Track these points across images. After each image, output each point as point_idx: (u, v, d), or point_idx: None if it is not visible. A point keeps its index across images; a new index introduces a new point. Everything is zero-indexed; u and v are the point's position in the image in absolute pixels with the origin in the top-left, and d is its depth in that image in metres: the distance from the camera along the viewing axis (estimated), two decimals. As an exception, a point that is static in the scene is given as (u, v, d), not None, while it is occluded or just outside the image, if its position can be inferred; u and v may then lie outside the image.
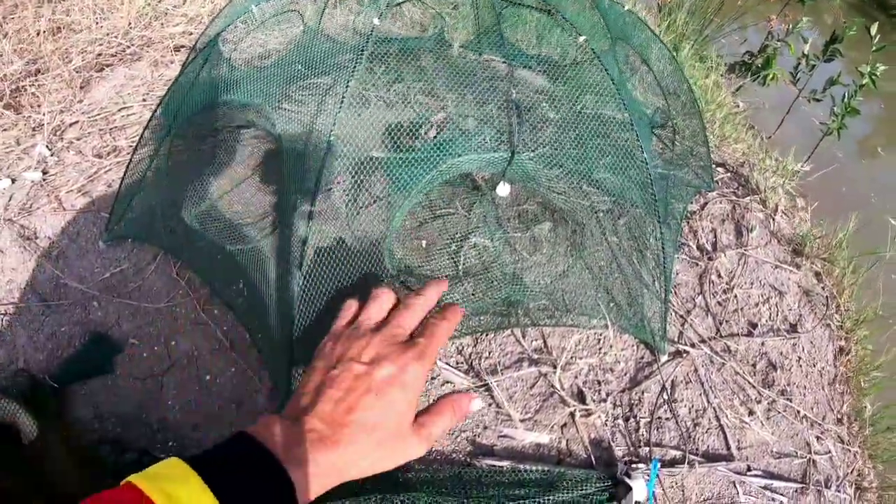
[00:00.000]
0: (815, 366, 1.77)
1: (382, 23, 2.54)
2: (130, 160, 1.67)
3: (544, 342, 1.50)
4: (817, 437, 1.60)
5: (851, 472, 1.61)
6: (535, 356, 1.48)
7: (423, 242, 1.59)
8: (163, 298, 1.63)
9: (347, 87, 1.19)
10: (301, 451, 0.57)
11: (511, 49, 2.15)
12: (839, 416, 1.70)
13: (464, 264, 1.51)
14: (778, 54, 3.06)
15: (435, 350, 0.70)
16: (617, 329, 1.51)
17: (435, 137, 1.81)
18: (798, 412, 1.62)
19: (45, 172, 1.99)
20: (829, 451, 1.59)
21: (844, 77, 2.84)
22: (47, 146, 2.06)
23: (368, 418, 0.62)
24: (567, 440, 1.39)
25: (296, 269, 1.25)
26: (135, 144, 2.02)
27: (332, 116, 1.14)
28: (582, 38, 1.46)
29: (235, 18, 1.57)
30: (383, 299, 0.82)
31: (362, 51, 1.22)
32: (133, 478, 0.50)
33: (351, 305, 0.86)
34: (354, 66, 1.17)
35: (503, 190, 1.40)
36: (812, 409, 1.66)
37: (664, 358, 1.55)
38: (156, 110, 1.66)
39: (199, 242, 1.57)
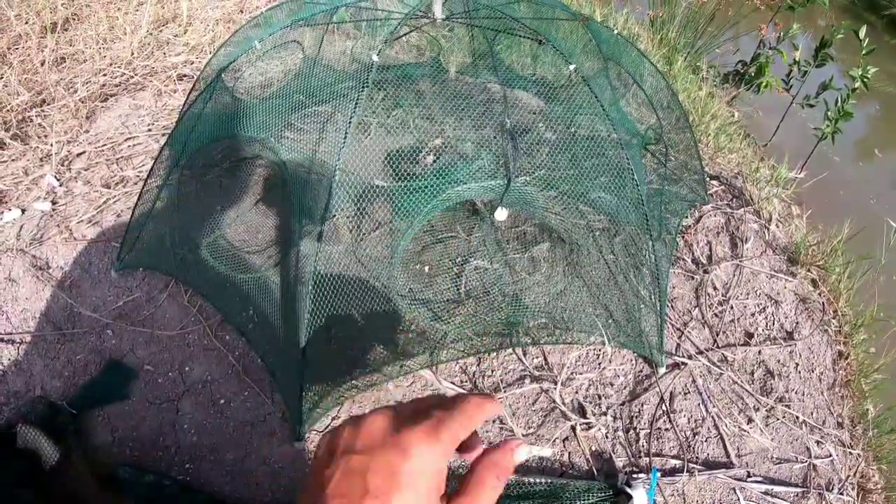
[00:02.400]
0: (813, 371, 1.84)
1: (385, 50, 2.63)
2: (141, 191, 1.75)
3: (545, 359, 1.58)
4: (817, 442, 1.67)
5: (854, 474, 1.67)
6: (537, 373, 1.55)
7: (426, 268, 1.67)
8: (175, 325, 1.71)
9: (350, 123, 1.27)
10: None
11: (506, 72, 2.24)
12: (839, 420, 1.77)
13: (465, 286, 1.59)
14: (770, 62, 3.13)
15: (456, 423, 0.51)
16: (615, 345, 1.59)
17: (434, 163, 1.90)
18: (797, 418, 1.69)
19: (54, 203, 2.07)
20: (830, 455, 1.65)
21: (837, 80, 2.91)
22: (55, 176, 2.15)
23: None
24: (569, 453, 1.46)
25: (305, 295, 1.33)
26: (143, 175, 2.11)
27: (336, 150, 1.22)
28: (572, 67, 1.54)
29: (240, 55, 1.65)
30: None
31: (364, 87, 1.30)
32: None
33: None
34: (356, 104, 1.25)
35: (501, 215, 1.48)
36: (812, 414, 1.73)
37: (662, 370, 1.62)
38: (166, 142, 1.75)
39: (208, 271, 1.65)
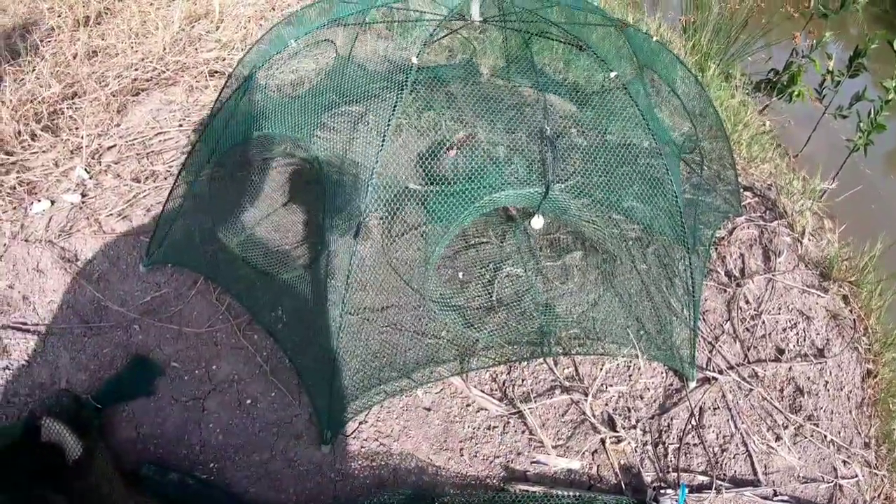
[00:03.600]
0: (842, 389, 1.80)
1: (410, 51, 2.62)
2: (172, 187, 1.75)
3: (576, 370, 1.56)
4: (844, 462, 1.64)
5: (879, 495, 1.64)
6: (567, 384, 1.53)
7: (461, 274, 1.65)
8: (203, 323, 1.71)
9: (389, 125, 1.26)
10: None
11: (540, 76, 2.21)
12: (866, 440, 1.73)
13: (498, 294, 1.57)
14: (803, 71, 3.08)
15: None
16: (647, 357, 1.57)
17: (456, 156, 1.88)
18: (825, 437, 1.66)
19: (83, 195, 2.08)
20: (857, 476, 1.62)
21: (870, 91, 2.85)
22: (86, 169, 2.15)
23: None
24: (598, 466, 1.44)
25: (338, 297, 1.31)
26: (173, 170, 2.10)
27: (374, 153, 1.21)
28: (613, 74, 1.52)
29: (273, 53, 1.64)
30: None
31: (402, 89, 1.29)
32: None
33: None
34: (395, 107, 1.24)
35: (538, 223, 1.46)
36: (839, 433, 1.70)
37: (693, 385, 1.59)
38: (198, 139, 1.74)
39: (238, 269, 1.64)
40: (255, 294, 1.62)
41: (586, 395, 1.52)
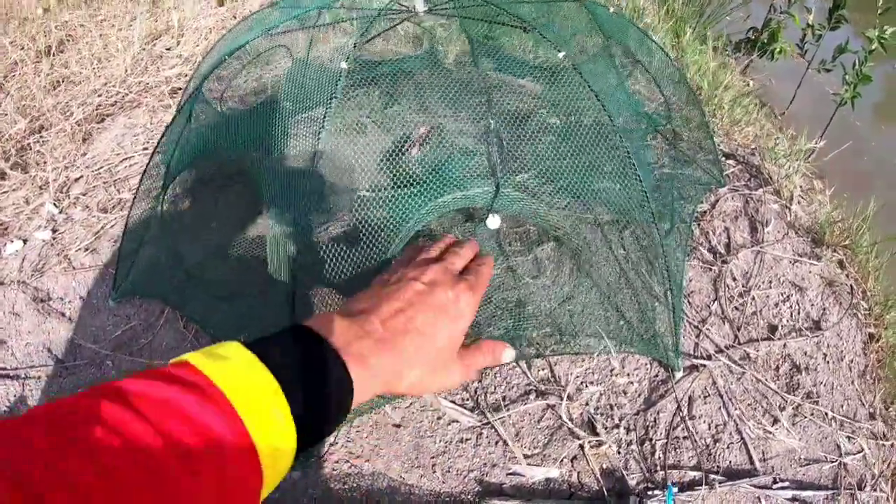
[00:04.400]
0: (842, 360, 1.68)
1: (374, 45, 2.49)
2: (128, 216, 1.66)
3: (551, 371, 1.45)
4: (848, 437, 1.52)
5: (887, 466, 1.52)
6: (543, 387, 1.42)
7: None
8: (172, 354, 1.62)
9: (319, 139, 1.15)
10: (359, 347, 0.56)
11: (505, 59, 2.09)
12: (871, 411, 1.61)
13: (531, 312, 1.46)
14: (783, 27, 2.90)
15: (483, 287, 0.71)
16: (625, 350, 1.46)
17: (419, 153, 1.77)
18: (826, 414, 1.54)
19: (54, 231, 2.00)
20: (862, 450, 1.50)
21: (853, 42, 2.69)
22: (55, 204, 2.07)
23: (426, 331, 0.61)
24: (578, 472, 1.33)
25: (287, 313, 1.22)
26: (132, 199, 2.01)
27: (303, 178, 1.10)
28: (561, 55, 1.40)
29: (217, 63, 1.54)
30: (440, 244, 0.81)
31: (332, 98, 1.18)
32: (188, 356, 0.47)
33: (408, 251, 0.83)
34: (323, 121, 1.13)
35: (493, 223, 1.35)
36: (841, 407, 1.58)
37: (679, 374, 1.48)
38: (149, 162, 1.65)
39: (200, 295, 1.55)
40: (219, 320, 1.53)
41: (562, 398, 1.41)
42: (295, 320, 1.17)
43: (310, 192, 1.16)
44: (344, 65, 1.18)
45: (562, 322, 1.46)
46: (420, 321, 0.61)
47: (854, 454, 1.48)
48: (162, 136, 1.63)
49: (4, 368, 1.70)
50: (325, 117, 1.15)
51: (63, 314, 1.79)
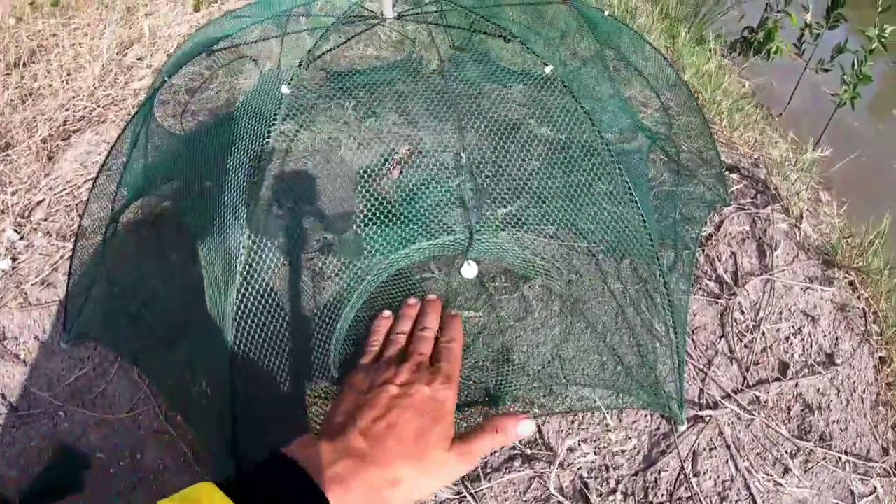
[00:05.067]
0: (855, 391, 1.45)
1: (350, 50, 2.21)
2: (74, 247, 1.42)
3: (539, 431, 1.20)
4: (861, 479, 1.30)
5: (900, 507, 1.30)
6: (529, 451, 1.18)
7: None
8: (125, 406, 1.38)
9: (249, 206, 0.88)
10: (341, 469, 0.52)
11: (489, 65, 1.82)
12: (885, 445, 1.38)
13: (518, 363, 1.21)
14: (779, 26, 2.64)
15: (457, 368, 0.67)
16: (622, 406, 1.21)
17: (401, 175, 1.52)
18: (839, 458, 1.31)
19: (14, 259, 1.75)
20: (875, 491, 1.29)
21: (851, 41, 2.44)
22: (16, 230, 1.82)
23: (409, 435, 0.57)
24: (573, 552, 1.10)
25: (226, 366, 0.97)
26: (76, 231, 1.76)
27: (236, 232, 0.85)
28: (548, 69, 1.15)
29: (163, 80, 1.28)
30: (404, 327, 0.78)
31: (269, 129, 0.92)
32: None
33: (374, 343, 0.80)
34: (259, 158, 0.87)
35: (469, 272, 1.10)
36: (854, 445, 1.35)
37: (683, 427, 1.24)
38: (92, 188, 1.40)
39: (144, 338, 1.31)
40: (162, 366, 1.29)
41: (551, 464, 1.16)
42: (235, 371, 0.92)
43: (242, 244, 0.90)
44: (285, 89, 0.93)
45: (552, 371, 1.22)
46: (402, 426, 0.57)
47: (867, 496, 1.27)
48: (106, 158, 1.38)
49: (-45, 414, 1.47)
50: (259, 159, 0.89)
51: (17, 356, 1.54)
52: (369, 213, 1.07)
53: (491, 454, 1.18)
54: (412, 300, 0.82)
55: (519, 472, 1.14)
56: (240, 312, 0.87)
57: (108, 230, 1.33)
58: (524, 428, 0.67)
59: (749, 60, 2.60)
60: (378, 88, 1.86)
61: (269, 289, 0.90)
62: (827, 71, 2.51)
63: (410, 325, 0.79)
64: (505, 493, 1.12)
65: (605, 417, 1.22)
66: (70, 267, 1.41)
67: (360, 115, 1.86)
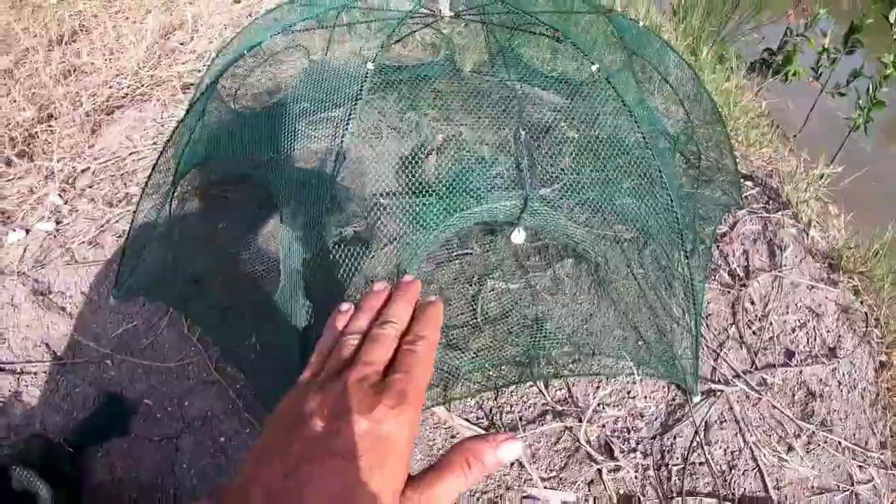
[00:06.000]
0: (855, 388, 1.63)
1: (391, 49, 2.42)
2: (136, 213, 1.59)
3: (569, 392, 1.38)
4: (860, 467, 1.46)
5: (898, 496, 1.47)
6: (560, 408, 1.35)
7: (439, 289, 1.47)
8: (174, 356, 1.55)
9: (342, 144, 1.08)
10: None
11: (524, 69, 2.02)
12: (882, 440, 1.55)
13: (483, 311, 1.39)
14: (798, 50, 2.86)
15: (418, 389, 0.48)
16: (645, 375, 1.39)
17: (436, 162, 1.70)
18: (839, 443, 1.48)
19: (58, 222, 1.92)
20: (872, 479, 1.45)
21: (868, 67, 2.65)
22: (60, 195, 1.99)
23: (331, 492, 0.41)
24: (595, 498, 1.27)
25: (302, 320, 1.15)
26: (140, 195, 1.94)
27: (327, 179, 1.03)
28: (594, 67, 1.33)
29: (230, 63, 1.47)
30: (361, 323, 0.57)
31: (357, 100, 1.11)
32: None
33: (320, 348, 0.58)
34: (348, 121, 1.06)
35: (518, 237, 1.28)
36: (854, 435, 1.52)
37: (697, 399, 1.42)
38: (158, 159, 1.58)
39: (204, 301, 1.48)
40: (225, 324, 1.46)
41: (580, 419, 1.34)
42: (307, 334, 1.09)
43: (329, 195, 1.09)
44: (370, 65, 1.12)
45: (580, 341, 1.39)
46: (321, 480, 0.42)
47: (865, 483, 1.43)
48: (173, 132, 1.56)
49: (0, 362, 1.63)
50: (349, 118, 1.08)
51: (63, 309, 1.71)
52: (426, 184, 1.25)
53: (524, 408, 1.35)
54: (378, 284, 0.60)
55: (551, 424, 1.31)
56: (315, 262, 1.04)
57: (172, 195, 1.50)
58: (507, 452, 0.48)
59: (767, 81, 2.83)
60: (419, 84, 2.05)
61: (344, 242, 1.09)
62: (842, 95, 2.72)
63: (370, 322, 0.57)
64: (538, 441, 1.30)
65: (627, 384, 1.40)
66: (129, 229, 1.57)
67: (401, 108, 2.04)
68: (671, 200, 1.30)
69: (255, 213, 1.72)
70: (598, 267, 1.53)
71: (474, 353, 1.36)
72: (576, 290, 1.46)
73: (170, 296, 1.57)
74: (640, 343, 1.44)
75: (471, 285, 1.50)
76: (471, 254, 1.49)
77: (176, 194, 1.62)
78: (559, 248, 1.57)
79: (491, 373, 1.33)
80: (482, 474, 0.48)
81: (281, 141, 1.28)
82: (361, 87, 1.10)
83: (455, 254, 1.51)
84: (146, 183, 1.55)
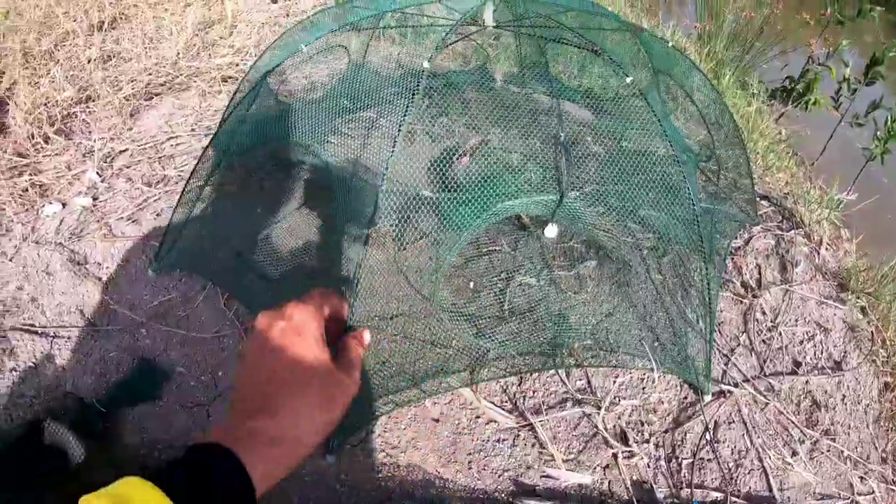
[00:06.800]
0: (859, 403, 1.74)
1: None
2: (182, 191, 1.72)
3: (588, 382, 1.50)
4: (861, 478, 1.57)
5: (897, 512, 1.58)
6: (580, 396, 1.48)
7: (471, 283, 1.60)
8: (210, 329, 1.67)
9: (400, 131, 1.21)
10: (240, 430, 0.56)
11: (554, 83, 2.16)
12: (884, 455, 1.67)
13: (510, 303, 1.52)
14: (819, 79, 3.01)
15: (315, 296, 0.69)
16: (661, 370, 1.51)
17: (470, 163, 1.84)
18: (842, 452, 1.60)
19: (95, 199, 2.05)
20: (873, 492, 1.56)
21: (887, 99, 2.79)
22: (98, 172, 2.13)
23: (282, 372, 0.61)
24: (609, 481, 1.39)
25: (349, 300, 1.27)
26: (184, 174, 2.07)
27: (385, 159, 1.16)
28: (629, 80, 1.47)
29: (286, 57, 1.61)
30: None
31: (414, 94, 1.24)
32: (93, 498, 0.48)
33: None
34: (406, 111, 1.20)
35: (551, 231, 1.41)
36: (856, 448, 1.63)
37: (707, 398, 1.54)
38: (209, 143, 1.71)
39: (247, 275, 1.60)
40: (264, 301, 1.58)
41: (599, 407, 1.46)
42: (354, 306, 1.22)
43: (383, 180, 1.22)
44: (427, 64, 1.25)
45: (600, 337, 1.52)
46: (275, 367, 0.62)
47: (866, 494, 1.54)
48: (223, 119, 1.69)
49: (33, 325, 1.74)
50: (405, 112, 1.22)
51: (99, 279, 1.83)
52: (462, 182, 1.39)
53: (545, 395, 1.48)
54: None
55: (571, 410, 1.44)
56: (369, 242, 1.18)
57: (217, 177, 1.64)
58: (367, 336, 0.73)
59: (787, 108, 2.97)
60: (452, 92, 2.19)
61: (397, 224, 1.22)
62: (861, 125, 2.86)
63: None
64: (558, 426, 1.42)
65: (642, 379, 1.52)
66: (178, 201, 1.70)
67: (434, 113, 2.18)
68: (695, 214, 1.42)
69: (292, 200, 1.86)
70: (619, 270, 1.66)
71: (501, 340, 1.48)
72: (597, 290, 1.58)
73: (209, 271, 1.69)
74: (656, 344, 1.56)
75: (499, 280, 1.63)
76: (500, 251, 1.62)
77: (220, 179, 1.75)
78: (582, 251, 1.70)
79: (516, 360, 1.46)
80: (365, 347, 0.71)
81: (328, 131, 1.42)
82: (419, 83, 1.23)
83: (484, 251, 1.64)
84: (196, 165, 1.68)
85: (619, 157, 1.53)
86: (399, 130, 1.19)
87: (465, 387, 1.46)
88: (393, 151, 1.18)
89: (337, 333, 0.71)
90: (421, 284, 1.38)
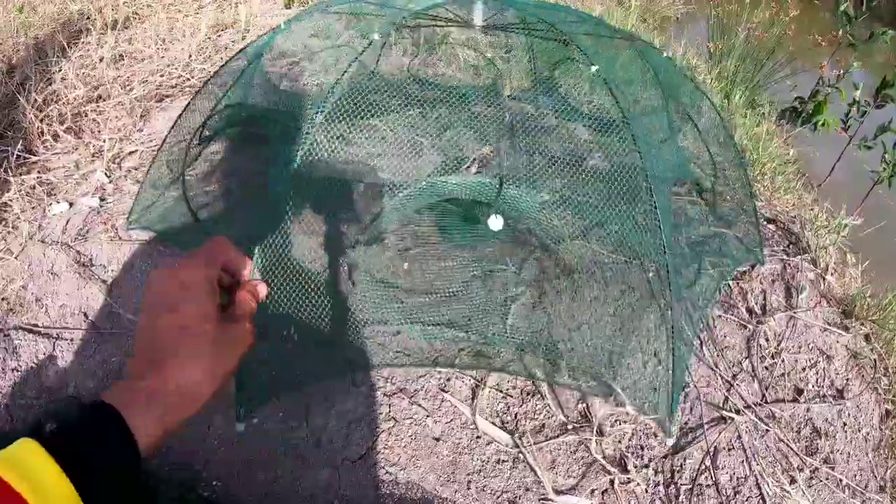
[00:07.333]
0: (860, 431, 1.73)
1: (434, 66, 2.57)
2: (160, 148, 1.74)
3: (587, 407, 1.50)
4: (859, 508, 1.57)
5: (894, 541, 1.57)
6: (577, 424, 1.48)
7: (405, 265, 1.61)
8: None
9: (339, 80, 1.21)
10: (126, 386, 0.55)
11: (561, 102, 2.16)
12: (882, 484, 1.66)
13: (510, 324, 1.52)
14: (829, 100, 3.00)
15: (207, 249, 0.66)
16: (632, 406, 1.51)
17: (476, 173, 1.84)
18: (840, 481, 1.59)
19: (102, 199, 2.05)
20: (872, 521, 1.55)
21: (896, 122, 2.78)
22: (106, 173, 2.13)
23: (169, 328, 0.60)
24: (608, 506, 1.38)
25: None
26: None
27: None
28: (594, 68, 1.45)
29: (271, 41, 1.62)
30: None
31: (355, 59, 1.25)
32: None
33: None
34: (337, 81, 1.21)
35: (496, 224, 1.40)
36: (855, 476, 1.63)
37: (670, 441, 1.51)
38: (191, 102, 1.72)
39: (201, 237, 1.64)
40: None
41: (601, 433, 1.46)
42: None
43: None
44: (376, 37, 1.26)
45: (600, 358, 1.51)
46: (161, 327, 0.60)
47: (864, 525, 1.53)
48: (203, 85, 1.70)
49: (36, 325, 1.74)
50: (336, 82, 1.23)
51: (104, 281, 1.83)
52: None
53: (546, 417, 1.47)
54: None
55: (569, 437, 1.43)
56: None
57: (192, 144, 1.66)
58: (262, 288, 0.71)
59: (796, 129, 2.95)
60: (459, 105, 2.20)
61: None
62: (869, 148, 2.85)
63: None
64: (558, 450, 1.42)
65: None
66: (151, 163, 1.73)
67: (440, 126, 2.19)
68: (663, 242, 1.40)
69: (255, 167, 1.89)
70: (623, 293, 1.65)
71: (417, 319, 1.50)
72: (601, 311, 1.58)
73: (170, 232, 1.71)
74: (612, 367, 1.56)
75: (500, 300, 1.63)
76: (505, 270, 1.62)
77: (194, 145, 1.77)
78: (555, 267, 1.71)
79: (514, 365, 1.46)
80: (260, 297, 0.69)
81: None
82: (363, 50, 1.25)
83: (488, 269, 1.64)
84: (175, 121, 1.71)
85: (619, 176, 1.53)
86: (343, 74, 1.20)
87: (464, 405, 1.46)
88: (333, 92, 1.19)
89: (232, 286, 0.70)
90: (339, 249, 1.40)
